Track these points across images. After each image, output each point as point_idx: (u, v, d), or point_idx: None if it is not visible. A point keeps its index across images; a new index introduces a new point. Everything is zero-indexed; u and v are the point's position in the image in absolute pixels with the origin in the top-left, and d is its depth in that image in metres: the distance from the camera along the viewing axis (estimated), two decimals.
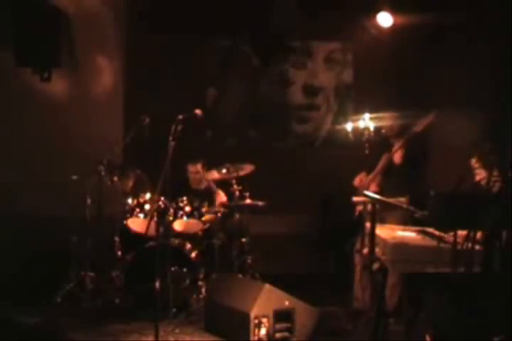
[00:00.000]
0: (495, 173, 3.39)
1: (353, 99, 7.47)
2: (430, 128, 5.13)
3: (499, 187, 3.28)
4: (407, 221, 4.89)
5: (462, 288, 2.97)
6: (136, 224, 5.65)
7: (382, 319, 4.15)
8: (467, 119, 5.77)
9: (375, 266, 4.11)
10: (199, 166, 6.23)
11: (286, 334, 4.59)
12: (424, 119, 5.08)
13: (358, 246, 5.10)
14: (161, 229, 5.16)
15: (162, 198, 5.35)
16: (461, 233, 3.45)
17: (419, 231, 4.20)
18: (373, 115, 5.37)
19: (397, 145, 5.26)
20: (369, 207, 4.31)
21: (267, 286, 4.58)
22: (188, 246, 5.61)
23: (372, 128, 5.34)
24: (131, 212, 5.66)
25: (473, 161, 4.15)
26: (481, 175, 4.07)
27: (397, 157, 5.30)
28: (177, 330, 4.87)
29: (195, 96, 6.95)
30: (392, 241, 3.91)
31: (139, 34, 6.83)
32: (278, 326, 4.55)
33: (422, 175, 5.60)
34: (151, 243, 5.36)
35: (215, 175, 6.18)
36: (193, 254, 5.55)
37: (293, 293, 4.66)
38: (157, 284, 4.32)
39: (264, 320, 4.47)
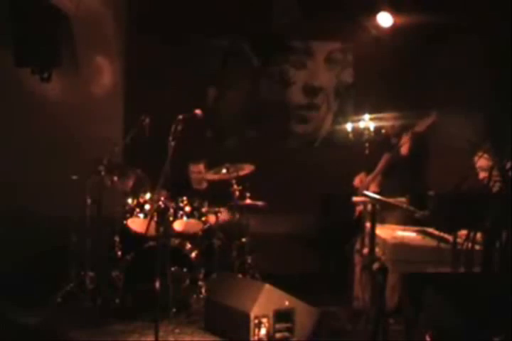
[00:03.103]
0: (495, 173, 3.39)
1: (353, 99, 7.47)
2: (432, 128, 5.14)
3: (499, 187, 3.28)
4: (407, 221, 4.90)
5: (462, 288, 2.96)
6: (136, 224, 5.65)
7: (382, 319, 4.15)
8: (467, 119, 5.77)
9: (375, 266, 4.10)
10: (201, 166, 6.25)
11: (286, 334, 4.58)
12: (426, 119, 5.09)
13: (358, 246, 5.10)
14: (161, 229, 5.16)
15: (162, 198, 5.35)
16: (461, 233, 3.46)
17: (419, 231, 4.21)
18: (373, 115, 5.38)
19: (405, 138, 5.25)
20: (369, 207, 4.32)
21: (267, 286, 4.58)
22: (188, 246, 5.61)
23: (372, 128, 5.35)
24: (131, 212, 5.66)
25: (476, 159, 4.14)
26: (484, 171, 4.06)
27: (404, 149, 5.30)
28: (177, 330, 4.86)
29: (195, 96, 6.95)
30: (392, 241, 3.92)
31: (139, 34, 6.84)
32: (278, 326, 4.55)
33: (422, 175, 5.59)
34: (151, 243, 5.36)
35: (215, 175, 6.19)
36: (193, 254, 5.55)
37: (293, 293, 4.66)
38: (157, 284, 4.32)
39: (264, 320, 4.47)
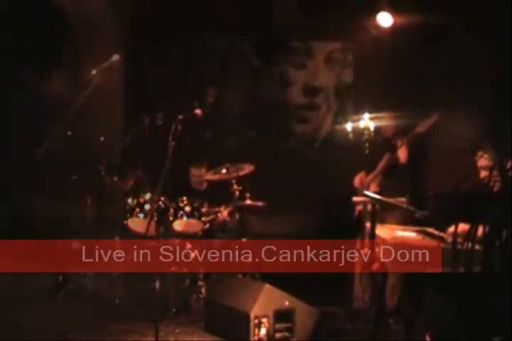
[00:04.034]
0: (495, 173, 3.38)
1: (353, 99, 7.47)
2: (434, 128, 5.14)
3: (499, 187, 3.28)
4: (407, 221, 4.89)
5: (462, 288, 2.97)
6: (136, 224, 5.65)
7: (382, 319, 4.15)
8: (467, 119, 5.77)
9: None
10: (203, 170, 6.23)
11: (286, 334, 4.58)
12: (429, 119, 5.09)
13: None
14: (161, 229, 5.16)
15: (162, 198, 5.35)
16: (462, 231, 3.45)
17: (419, 231, 4.20)
18: (373, 115, 5.37)
19: (400, 142, 5.25)
20: (369, 207, 4.31)
21: (267, 286, 4.58)
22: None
23: (372, 128, 5.35)
24: (131, 212, 5.66)
25: (477, 159, 4.14)
26: (485, 170, 4.06)
27: (403, 156, 5.30)
28: (177, 330, 4.86)
29: (195, 96, 6.95)
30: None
31: (139, 34, 6.84)
32: (278, 326, 4.54)
33: (422, 175, 5.59)
34: (151, 243, 5.36)
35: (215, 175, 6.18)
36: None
37: (293, 293, 4.66)
38: (157, 284, 4.32)
39: (264, 320, 4.46)
